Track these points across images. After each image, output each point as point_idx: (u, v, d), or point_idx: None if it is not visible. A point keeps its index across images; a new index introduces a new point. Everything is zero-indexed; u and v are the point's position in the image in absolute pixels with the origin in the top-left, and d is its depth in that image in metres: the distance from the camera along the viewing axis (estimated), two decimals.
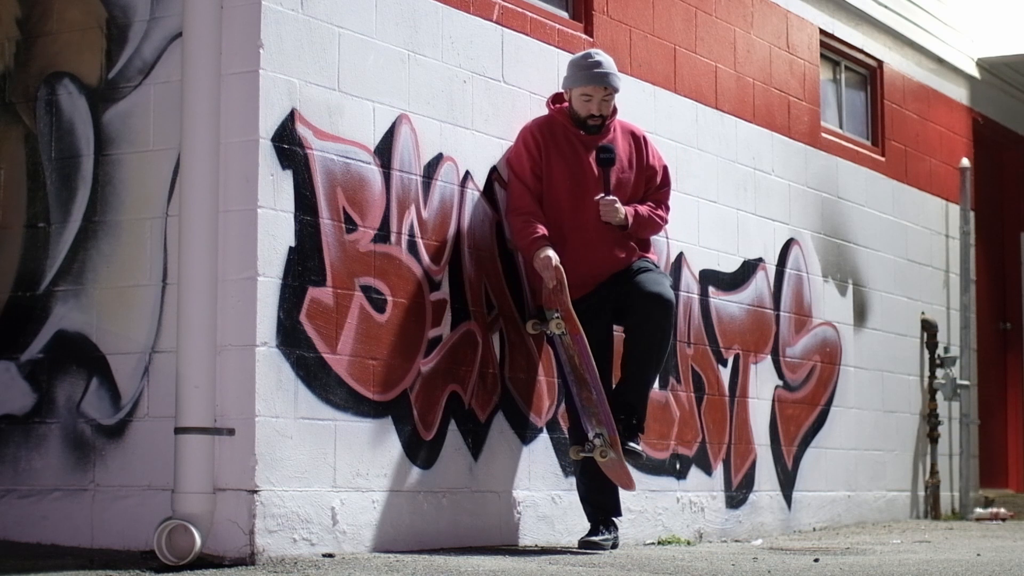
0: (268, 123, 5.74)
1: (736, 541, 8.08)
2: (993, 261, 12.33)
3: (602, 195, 6.75)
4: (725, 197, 8.46)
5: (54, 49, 6.16)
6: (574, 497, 7.07)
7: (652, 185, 7.00)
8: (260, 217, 5.68)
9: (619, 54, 7.66)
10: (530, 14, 7.19)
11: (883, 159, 10.38)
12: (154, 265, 5.84)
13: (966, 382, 11.12)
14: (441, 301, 6.51)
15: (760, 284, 8.79)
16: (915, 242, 10.71)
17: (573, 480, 7.10)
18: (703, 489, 8.10)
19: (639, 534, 7.51)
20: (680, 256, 8.05)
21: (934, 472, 10.67)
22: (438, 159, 6.57)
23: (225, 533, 5.57)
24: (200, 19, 5.71)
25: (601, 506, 6.82)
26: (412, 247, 6.37)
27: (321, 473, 5.87)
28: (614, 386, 6.80)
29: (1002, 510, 10.97)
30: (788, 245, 9.10)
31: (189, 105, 5.70)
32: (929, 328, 10.76)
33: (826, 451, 9.36)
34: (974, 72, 11.74)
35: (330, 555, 5.80)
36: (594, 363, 6.54)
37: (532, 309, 6.89)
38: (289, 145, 5.82)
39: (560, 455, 7.10)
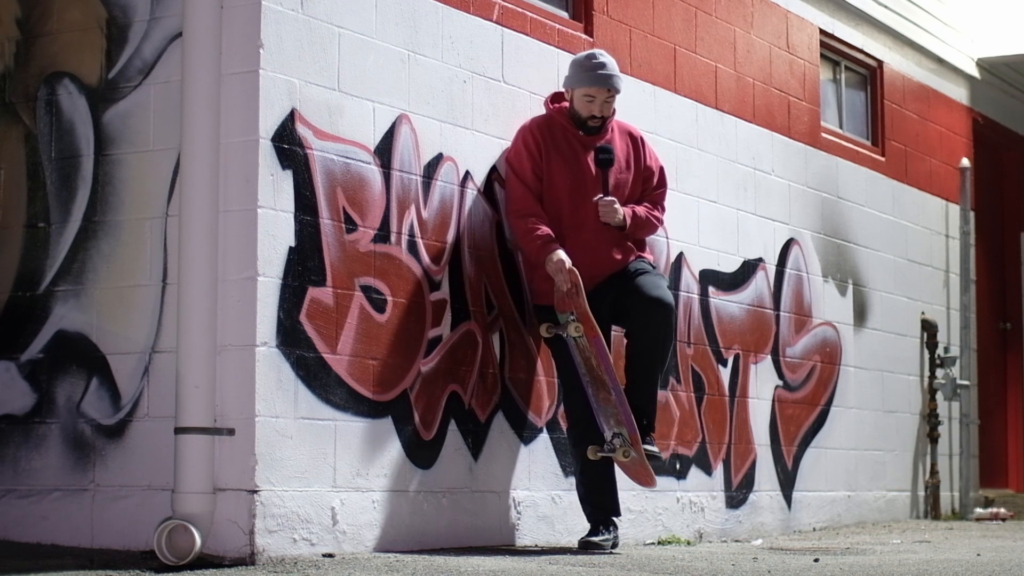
0: (268, 123, 5.74)
1: (736, 541, 8.08)
2: (993, 261, 12.33)
3: (601, 196, 6.75)
4: (725, 197, 8.46)
5: (54, 49, 6.16)
6: (574, 497, 7.07)
7: (649, 186, 7.00)
8: (260, 217, 5.68)
9: (619, 54, 7.66)
10: (530, 14, 7.19)
11: (883, 159, 10.38)
12: (154, 265, 5.84)
13: (966, 382, 11.12)
14: (441, 301, 6.51)
15: (760, 284, 8.79)
16: (915, 242, 10.71)
17: (573, 480, 7.10)
18: (703, 489, 8.10)
19: (639, 534, 7.51)
20: (680, 256, 8.05)
21: (934, 472, 10.67)
22: (438, 159, 6.57)
23: (225, 533, 5.57)
24: (200, 19, 5.71)
25: (601, 506, 6.82)
26: (412, 247, 6.37)
27: (321, 473, 5.87)
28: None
29: (1002, 510, 10.97)
30: (788, 245, 9.10)
31: (189, 105, 5.70)
32: (929, 328, 10.76)
33: (826, 451, 9.36)
34: (974, 72, 11.74)
35: (330, 555, 5.80)
36: (612, 363, 6.55)
37: (533, 309, 6.88)
38: (289, 145, 5.82)
39: (560, 455, 7.10)
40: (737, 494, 8.40)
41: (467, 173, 6.72)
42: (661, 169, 7.08)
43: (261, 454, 5.60)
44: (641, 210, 6.88)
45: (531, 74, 7.13)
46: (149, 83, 5.93)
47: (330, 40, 6.04)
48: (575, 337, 6.56)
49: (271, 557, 5.58)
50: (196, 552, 5.44)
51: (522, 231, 6.70)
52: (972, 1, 11.73)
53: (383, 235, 6.23)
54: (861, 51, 10.18)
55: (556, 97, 6.95)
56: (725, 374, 8.40)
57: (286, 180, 5.80)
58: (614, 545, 6.76)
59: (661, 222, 7.07)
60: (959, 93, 11.59)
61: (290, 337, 5.76)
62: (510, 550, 6.55)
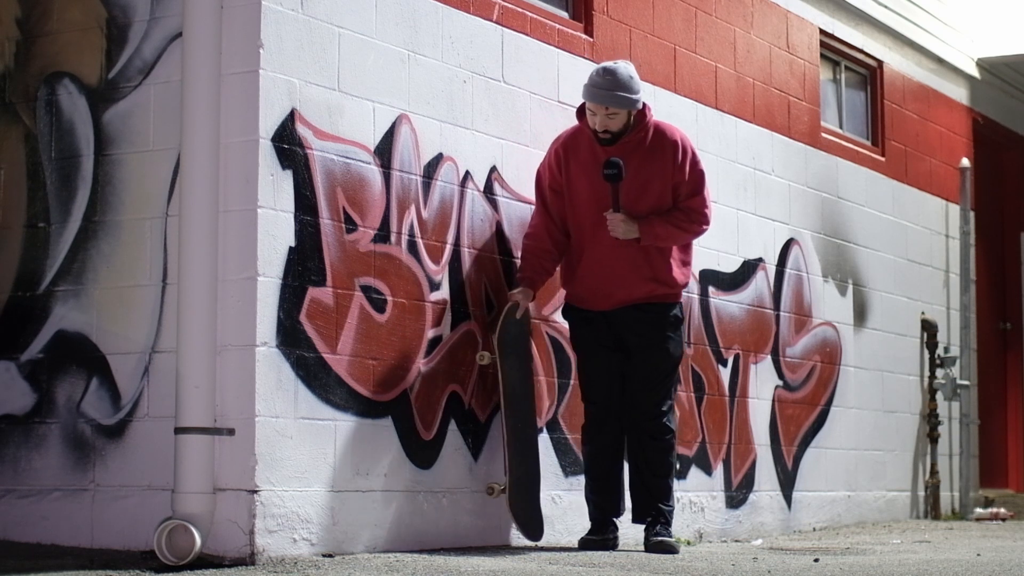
0: (268, 123, 5.74)
1: (736, 541, 8.08)
2: (993, 261, 12.33)
3: (610, 211, 6.72)
4: (725, 197, 8.46)
5: (54, 49, 6.15)
6: (574, 497, 7.07)
7: (680, 193, 6.79)
8: (260, 217, 5.68)
9: (619, 54, 7.66)
10: (530, 14, 7.19)
11: (883, 159, 10.38)
12: (154, 265, 5.84)
13: (966, 382, 11.12)
14: (441, 301, 6.51)
15: (760, 284, 8.79)
16: (915, 242, 10.71)
17: (573, 480, 7.11)
18: (703, 489, 8.10)
19: (639, 534, 7.51)
20: None
21: (934, 472, 10.67)
22: (438, 159, 6.57)
23: (225, 533, 5.57)
24: (200, 19, 5.71)
25: (600, 506, 6.83)
26: (412, 247, 6.37)
27: (321, 473, 5.87)
28: (630, 480, 6.88)
29: (1002, 510, 10.97)
30: (788, 245, 9.10)
31: (189, 105, 5.70)
32: (929, 328, 10.76)
33: (826, 451, 9.36)
34: (974, 72, 11.74)
35: (330, 555, 5.80)
36: (508, 413, 6.59)
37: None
38: (289, 145, 5.82)
39: (560, 455, 7.10)
40: (737, 494, 8.40)
41: (467, 173, 6.72)
42: (698, 175, 6.82)
43: (261, 454, 5.60)
44: (660, 221, 6.71)
45: (531, 74, 7.13)
46: (149, 83, 5.93)
47: (330, 40, 6.04)
48: (480, 364, 6.62)
49: (271, 557, 5.58)
50: (196, 552, 5.44)
51: (522, 248, 6.82)
52: (972, 1, 11.73)
53: (383, 235, 6.23)
54: (861, 51, 10.18)
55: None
56: (725, 374, 8.40)
57: (286, 180, 5.80)
58: (614, 545, 6.77)
59: (694, 232, 6.83)
60: (959, 93, 11.59)
61: (290, 337, 5.76)
62: (510, 550, 6.55)
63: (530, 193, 7.01)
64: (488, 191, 6.84)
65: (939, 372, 10.76)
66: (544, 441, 7.01)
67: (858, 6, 10.01)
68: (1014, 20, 11.74)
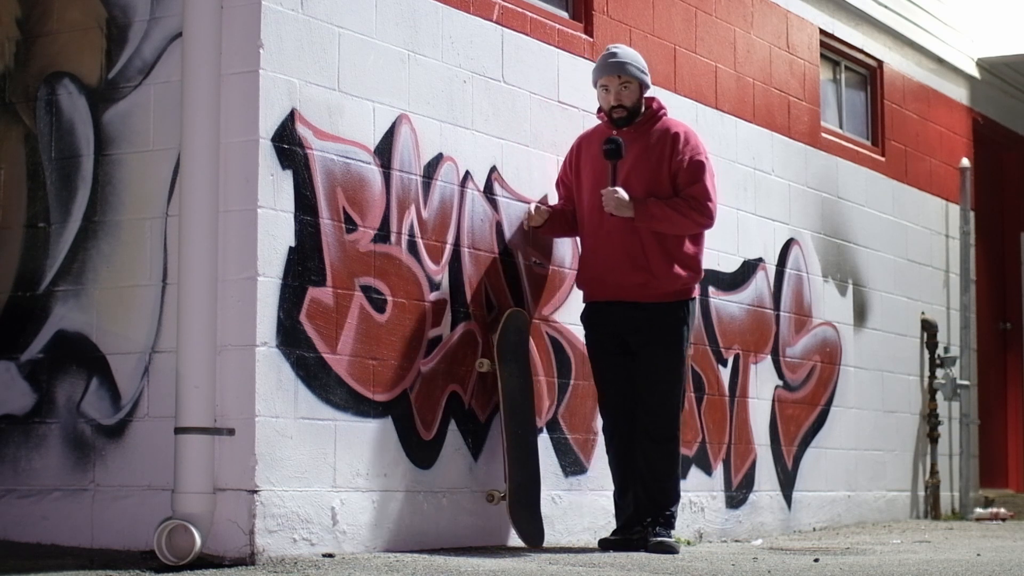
0: (268, 123, 5.74)
1: (736, 541, 8.08)
2: (993, 261, 12.33)
3: (607, 188, 6.74)
4: (725, 197, 8.44)
5: (54, 49, 6.15)
6: (574, 497, 7.07)
7: (680, 181, 6.77)
8: (260, 217, 5.68)
9: None
10: (530, 14, 7.19)
11: (883, 159, 10.38)
12: (154, 265, 5.84)
13: (966, 382, 11.12)
14: (441, 301, 6.51)
15: (760, 284, 8.79)
16: (915, 242, 10.71)
17: (573, 480, 7.12)
18: (703, 489, 8.10)
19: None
20: None
21: (934, 472, 10.67)
22: (438, 159, 6.57)
23: (225, 533, 5.57)
24: (200, 19, 5.71)
25: (624, 509, 6.86)
26: (412, 247, 6.37)
27: (321, 473, 5.87)
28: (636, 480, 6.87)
29: (1002, 510, 10.97)
30: (788, 245, 9.10)
31: (189, 105, 5.70)
32: (929, 328, 10.76)
33: (826, 451, 9.36)
34: (974, 72, 11.74)
35: (330, 555, 5.80)
36: (507, 421, 6.61)
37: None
38: (289, 145, 5.82)
39: (560, 455, 7.10)
40: (737, 494, 8.40)
41: (467, 173, 6.72)
42: (696, 164, 6.78)
43: (261, 454, 5.60)
44: (656, 202, 6.70)
45: (531, 74, 7.13)
46: (149, 83, 5.93)
47: (330, 40, 6.04)
48: (480, 372, 6.64)
49: (271, 557, 5.57)
50: (196, 552, 5.44)
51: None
52: (972, 1, 11.73)
53: (383, 235, 6.23)
54: (861, 51, 10.18)
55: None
56: (725, 374, 8.40)
57: (286, 180, 5.80)
58: (638, 545, 6.77)
59: (696, 221, 6.77)
60: (959, 93, 11.59)
61: (290, 337, 5.76)
62: (510, 550, 6.55)
63: (530, 193, 7.04)
64: (488, 191, 6.84)
65: (939, 372, 10.76)
66: (544, 441, 7.01)
67: (858, 6, 10.01)
68: (1014, 20, 11.74)
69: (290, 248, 5.79)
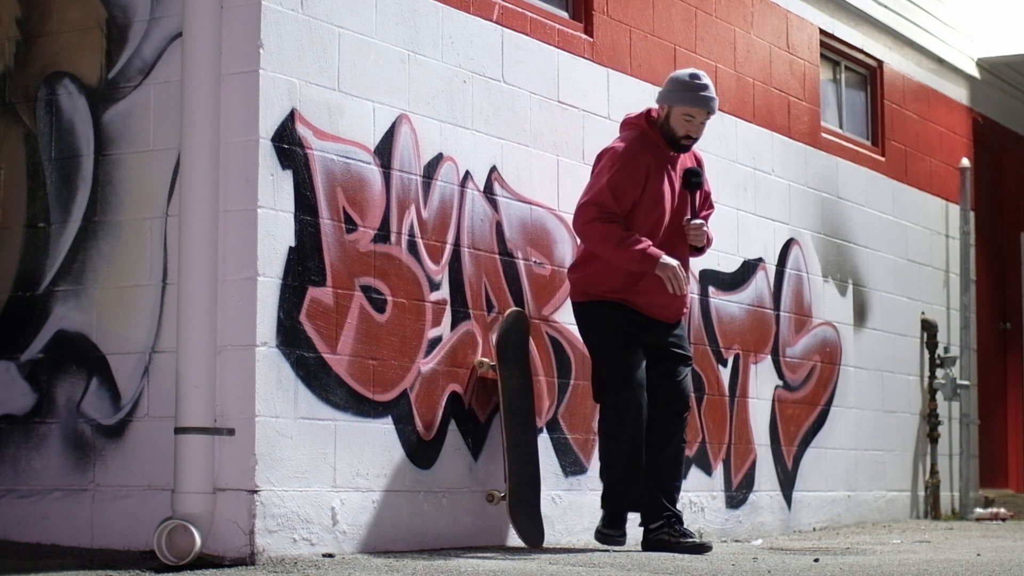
0: (268, 123, 5.74)
1: (736, 541, 8.08)
2: (993, 261, 12.33)
3: (689, 218, 6.75)
4: (725, 197, 8.45)
5: (54, 49, 6.16)
6: (574, 497, 7.07)
7: (705, 207, 6.98)
8: (260, 217, 5.68)
9: (619, 54, 7.66)
10: (530, 14, 7.19)
11: (883, 159, 10.38)
12: (154, 265, 5.84)
13: (966, 382, 11.12)
14: (441, 301, 6.51)
15: (760, 284, 8.79)
16: (915, 242, 10.71)
17: (573, 480, 7.12)
18: (703, 489, 8.10)
19: (639, 534, 7.50)
20: None
21: (934, 472, 10.66)
22: (438, 159, 6.57)
23: (225, 533, 5.57)
24: (200, 19, 5.71)
25: (633, 500, 6.82)
26: (412, 247, 6.37)
27: (321, 473, 5.87)
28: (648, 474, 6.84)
29: (1002, 510, 10.97)
30: (788, 245, 9.10)
31: (189, 105, 5.70)
32: (929, 328, 10.76)
33: (826, 451, 9.36)
34: (974, 72, 11.74)
35: (330, 555, 5.80)
36: (508, 421, 6.59)
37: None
38: (289, 145, 5.82)
39: (560, 455, 7.10)
40: (737, 494, 8.40)
41: (467, 173, 6.72)
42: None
43: (261, 454, 5.60)
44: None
45: (531, 74, 7.13)
46: (149, 83, 5.93)
47: (330, 40, 6.04)
48: (480, 372, 6.62)
49: (271, 557, 5.58)
50: (196, 552, 5.44)
51: (609, 231, 6.59)
52: (972, 1, 11.73)
53: (383, 235, 6.23)
54: (861, 51, 10.18)
55: (625, 124, 6.88)
56: (725, 374, 8.40)
57: (286, 180, 5.80)
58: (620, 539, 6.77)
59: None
60: (959, 93, 11.59)
61: (290, 337, 5.76)
62: (510, 550, 6.55)
63: (530, 193, 7.04)
64: (488, 191, 6.84)
65: (939, 372, 10.76)
66: (544, 441, 7.01)
67: (858, 6, 10.01)
68: (1014, 20, 11.74)
69: (290, 248, 5.79)
